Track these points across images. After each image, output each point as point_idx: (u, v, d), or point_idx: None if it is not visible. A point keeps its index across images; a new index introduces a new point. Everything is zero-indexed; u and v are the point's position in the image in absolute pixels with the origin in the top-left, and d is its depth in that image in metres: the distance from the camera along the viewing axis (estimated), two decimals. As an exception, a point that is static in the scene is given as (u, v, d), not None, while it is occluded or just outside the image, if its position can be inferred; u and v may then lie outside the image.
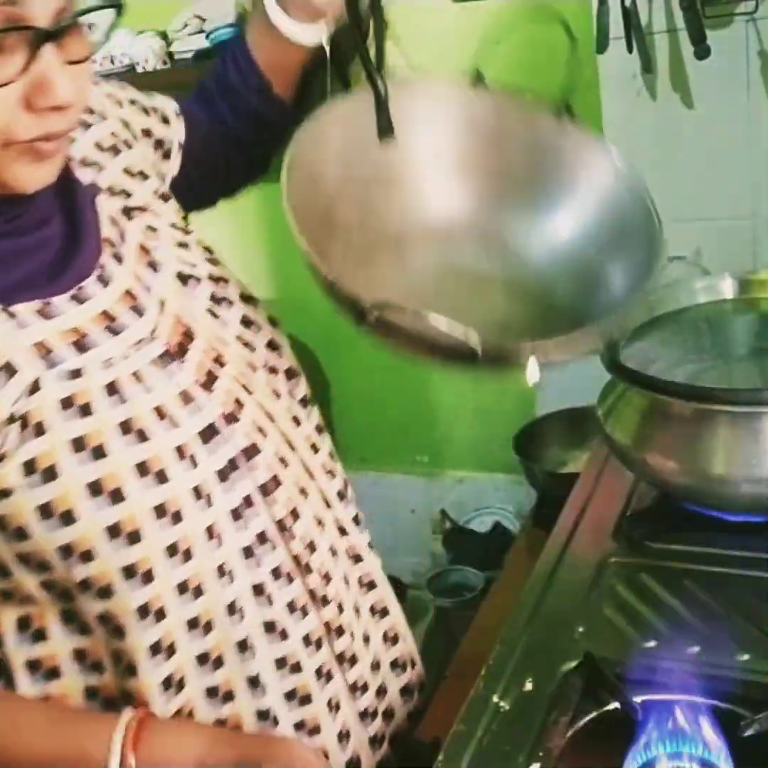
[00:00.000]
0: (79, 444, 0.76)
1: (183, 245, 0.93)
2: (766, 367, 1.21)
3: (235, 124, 1.08)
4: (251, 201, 2.37)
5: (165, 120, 1.02)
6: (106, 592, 0.79)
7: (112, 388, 0.78)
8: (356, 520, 1.02)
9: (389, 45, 1.91)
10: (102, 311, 0.81)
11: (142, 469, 0.78)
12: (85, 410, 0.76)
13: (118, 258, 0.85)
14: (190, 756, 0.79)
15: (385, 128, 0.97)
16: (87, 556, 0.77)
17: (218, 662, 0.86)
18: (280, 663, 0.88)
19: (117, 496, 0.76)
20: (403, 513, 2.44)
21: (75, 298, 0.80)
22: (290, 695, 0.89)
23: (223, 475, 0.83)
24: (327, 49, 1.13)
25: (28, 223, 0.79)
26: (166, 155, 1.01)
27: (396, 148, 0.97)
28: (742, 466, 0.95)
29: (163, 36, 2.04)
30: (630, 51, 1.58)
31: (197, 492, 0.81)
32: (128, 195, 0.90)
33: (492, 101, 1.07)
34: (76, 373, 0.77)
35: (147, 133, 0.98)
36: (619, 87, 1.65)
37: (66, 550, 0.77)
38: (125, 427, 0.78)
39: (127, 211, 0.89)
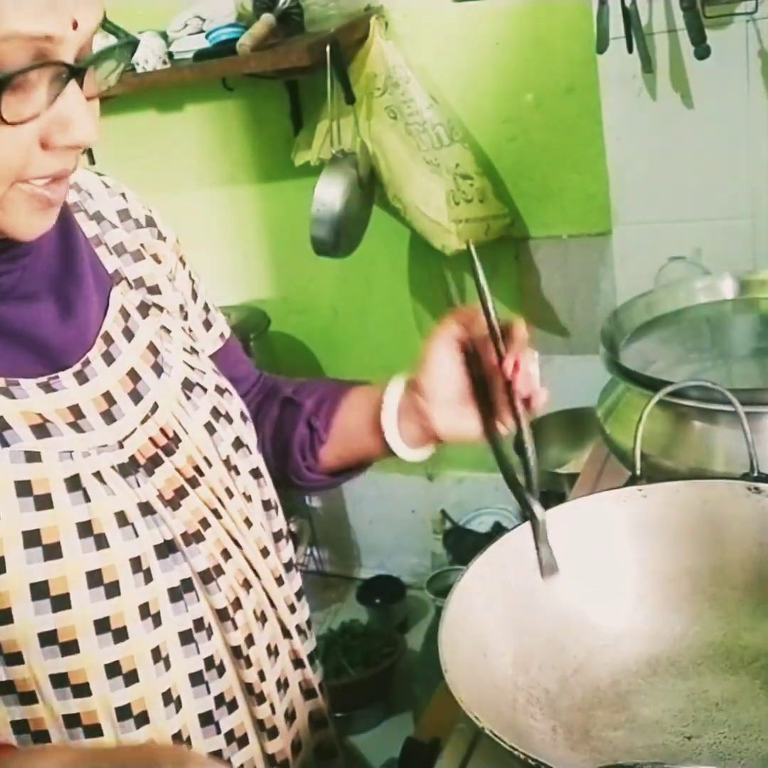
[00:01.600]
0: (32, 539, 0.69)
1: (194, 351, 0.87)
2: (766, 367, 1.21)
3: (269, 451, 0.99)
4: (252, 201, 2.38)
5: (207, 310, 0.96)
6: (30, 697, 0.72)
7: (74, 483, 0.71)
8: (311, 657, 0.94)
9: (389, 45, 1.92)
10: (70, 406, 0.74)
11: (93, 579, 0.71)
12: (44, 501, 0.69)
13: (110, 358, 0.78)
14: None
15: (548, 565, 0.81)
16: (14, 659, 0.70)
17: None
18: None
19: (61, 603, 0.70)
20: (403, 513, 2.45)
21: (44, 385, 0.73)
22: None
23: (175, 594, 0.76)
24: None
25: (9, 290, 0.73)
26: (206, 325, 0.94)
27: (563, 582, 0.84)
28: (742, 465, 0.95)
29: (163, 36, 2.04)
30: (630, 51, 1.58)
31: (145, 609, 0.74)
32: (151, 291, 0.85)
33: (656, 492, 0.89)
34: (33, 456, 0.70)
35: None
36: (619, 87, 1.65)
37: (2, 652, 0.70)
38: (84, 528, 0.70)
39: (146, 307, 0.83)
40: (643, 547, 0.88)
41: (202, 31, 1.99)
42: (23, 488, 0.69)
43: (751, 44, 1.54)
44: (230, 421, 0.86)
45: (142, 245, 0.85)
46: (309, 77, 1.99)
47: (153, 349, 0.81)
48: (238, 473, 0.85)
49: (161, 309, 0.84)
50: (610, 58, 1.61)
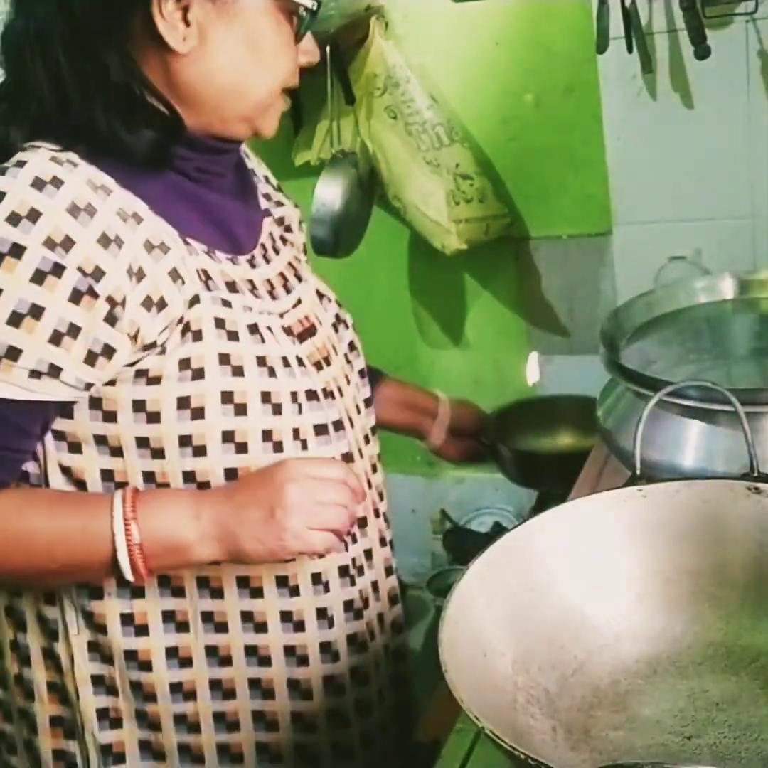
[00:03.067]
0: (224, 359, 0.90)
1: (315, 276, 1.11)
2: (766, 367, 1.21)
3: None
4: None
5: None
6: (204, 486, 0.91)
7: (253, 328, 0.92)
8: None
9: (389, 45, 1.92)
10: (248, 278, 0.96)
11: (265, 397, 0.91)
12: (233, 336, 0.91)
13: (267, 260, 1.01)
14: (189, 515, 0.88)
15: None
16: (200, 451, 0.90)
17: None
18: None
19: (240, 410, 0.90)
20: (403, 513, 2.44)
21: (230, 260, 0.95)
22: None
23: (318, 430, 0.96)
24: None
25: (209, 183, 0.96)
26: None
27: (563, 582, 0.86)
28: (742, 465, 0.95)
29: (163, 36, 2.04)
30: (630, 51, 1.58)
31: (297, 434, 0.94)
32: (287, 229, 1.10)
33: (656, 492, 0.89)
34: (227, 303, 0.91)
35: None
36: (619, 87, 1.66)
37: (184, 441, 0.90)
38: (260, 360, 0.92)
39: (284, 240, 1.08)
40: (643, 547, 0.88)
41: (202, 31, 1.99)
42: (220, 323, 0.90)
43: (751, 44, 1.54)
44: (347, 327, 1.10)
45: (278, 199, 1.12)
46: (309, 77, 1.97)
47: (291, 266, 1.05)
48: (352, 369, 1.08)
49: (293, 245, 1.09)
50: (610, 58, 1.61)
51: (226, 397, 0.90)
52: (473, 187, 1.95)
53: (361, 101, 1.94)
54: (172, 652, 0.96)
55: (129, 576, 0.87)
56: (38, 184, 0.82)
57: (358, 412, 1.07)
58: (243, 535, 0.87)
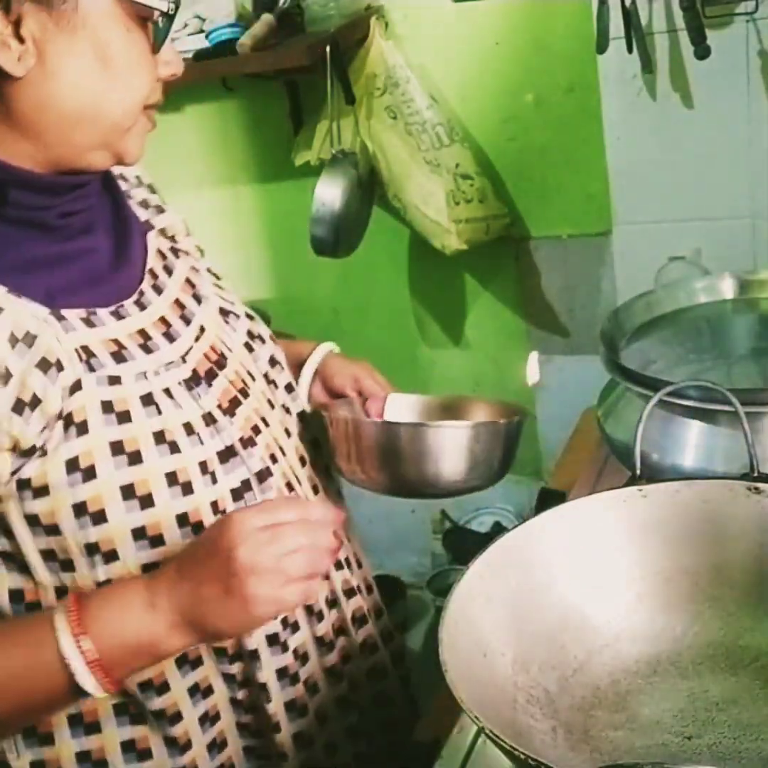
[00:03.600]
0: (117, 448, 0.80)
1: (219, 287, 1.00)
2: (766, 367, 1.21)
3: None
4: (252, 201, 2.38)
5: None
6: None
7: (148, 399, 0.83)
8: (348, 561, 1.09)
9: (389, 45, 1.92)
10: (138, 330, 0.86)
11: (171, 479, 0.82)
12: (124, 417, 0.81)
13: (158, 289, 0.90)
14: (143, 609, 0.75)
15: None
16: (111, 556, 0.81)
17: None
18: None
19: (147, 502, 0.81)
20: (403, 513, 2.44)
21: (114, 313, 0.85)
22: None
23: (237, 494, 0.87)
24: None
25: (76, 226, 0.84)
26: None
27: (563, 582, 0.86)
28: (742, 465, 0.95)
29: (163, 36, 2.04)
30: (630, 51, 1.58)
31: (215, 507, 0.85)
32: (173, 239, 0.98)
33: (656, 492, 0.88)
34: (115, 380, 0.81)
35: None
36: (619, 87, 1.65)
37: (91, 549, 0.80)
38: (159, 437, 0.82)
39: (175, 252, 0.96)
40: (643, 547, 0.88)
41: (202, 31, 1.99)
42: (107, 407, 0.80)
43: (751, 44, 1.54)
44: (263, 341, 1.00)
45: (157, 204, 0.99)
46: (309, 77, 1.99)
47: (189, 282, 0.94)
48: (276, 387, 0.99)
49: (186, 253, 0.98)
50: (610, 58, 1.61)
51: (128, 491, 0.80)
52: (473, 187, 1.95)
53: (361, 101, 1.94)
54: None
55: (98, 692, 0.75)
56: None
57: (288, 435, 0.98)
58: (209, 615, 0.75)
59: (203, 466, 0.84)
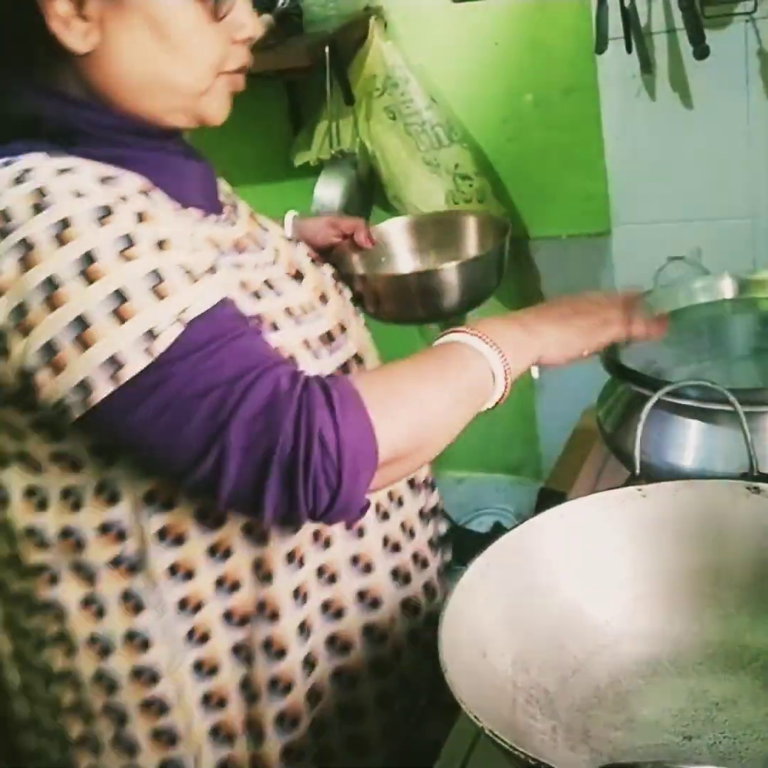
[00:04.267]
0: (257, 321, 0.85)
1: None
2: (766, 367, 1.21)
3: None
4: (251, 201, 2.38)
5: None
6: None
7: (268, 285, 0.89)
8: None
9: (388, 45, 1.92)
10: (237, 237, 0.91)
11: (305, 345, 0.88)
12: (255, 296, 0.86)
13: (237, 215, 0.96)
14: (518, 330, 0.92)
15: None
16: None
17: None
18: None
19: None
20: (403, 513, 2.44)
21: (218, 221, 0.91)
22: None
23: (345, 369, 0.93)
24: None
25: (183, 151, 0.92)
26: None
27: (564, 582, 0.86)
28: (742, 465, 0.95)
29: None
30: (629, 51, 1.58)
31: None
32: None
33: (656, 492, 0.88)
34: (239, 266, 0.87)
35: None
36: (618, 87, 1.66)
37: None
38: (288, 312, 0.89)
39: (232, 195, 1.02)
40: (643, 547, 0.88)
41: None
42: (243, 286, 0.85)
43: (750, 44, 1.54)
44: (322, 263, 1.06)
45: None
46: (308, 77, 1.99)
47: (252, 216, 1.00)
48: (345, 301, 1.05)
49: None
50: (609, 58, 1.61)
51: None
52: (473, 188, 1.95)
53: (360, 102, 1.95)
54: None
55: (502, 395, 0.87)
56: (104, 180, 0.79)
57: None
58: (560, 337, 0.93)
59: (324, 338, 0.91)
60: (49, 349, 0.72)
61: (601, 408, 1.20)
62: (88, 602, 0.86)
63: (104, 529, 0.84)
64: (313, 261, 1.04)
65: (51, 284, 0.72)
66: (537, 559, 0.85)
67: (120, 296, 0.72)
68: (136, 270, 0.73)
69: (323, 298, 0.97)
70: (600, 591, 0.87)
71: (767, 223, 1.66)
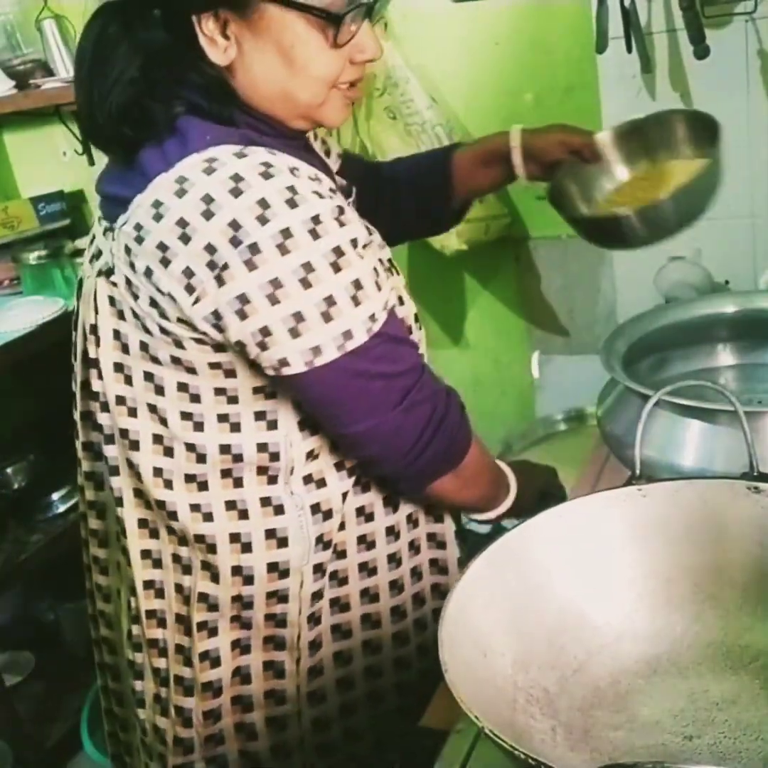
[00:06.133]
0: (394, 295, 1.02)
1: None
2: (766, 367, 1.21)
3: (405, 209, 1.32)
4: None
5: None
6: None
7: (390, 261, 1.05)
8: None
9: (388, 45, 1.92)
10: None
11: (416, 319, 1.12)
12: (390, 271, 1.03)
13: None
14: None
15: None
16: None
17: None
18: None
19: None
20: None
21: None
22: None
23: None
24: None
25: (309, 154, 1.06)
26: (326, 153, 1.23)
27: (563, 582, 0.86)
28: (742, 465, 0.95)
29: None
30: (629, 51, 1.58)
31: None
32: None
33: (656, 491, 0.89)
34: (365, 245, 0.96)
35: None
36: (619, 87, 1.66)
37: None
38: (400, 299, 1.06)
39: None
40: (643, 547, 0.88)
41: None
42: (381, 263, 1.00)
43: (751, 44, 1.54)
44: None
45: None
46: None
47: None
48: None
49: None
50: (609, 58, 1.61)
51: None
52: (473, 187, 1.95)
53: (360, 102, 1.95)
54: None
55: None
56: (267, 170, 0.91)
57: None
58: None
59: (415, 317, 1.11)
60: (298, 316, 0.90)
61: (601, 408, 1.20)
62: None
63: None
64: None
65: (306, 268, 0.88)
66: (537, 559, 0.85)
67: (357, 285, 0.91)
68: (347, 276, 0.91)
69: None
70: (600, 591, 0.87)
71: (767, 223, 1.66)
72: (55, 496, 2.12)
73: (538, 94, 1.93)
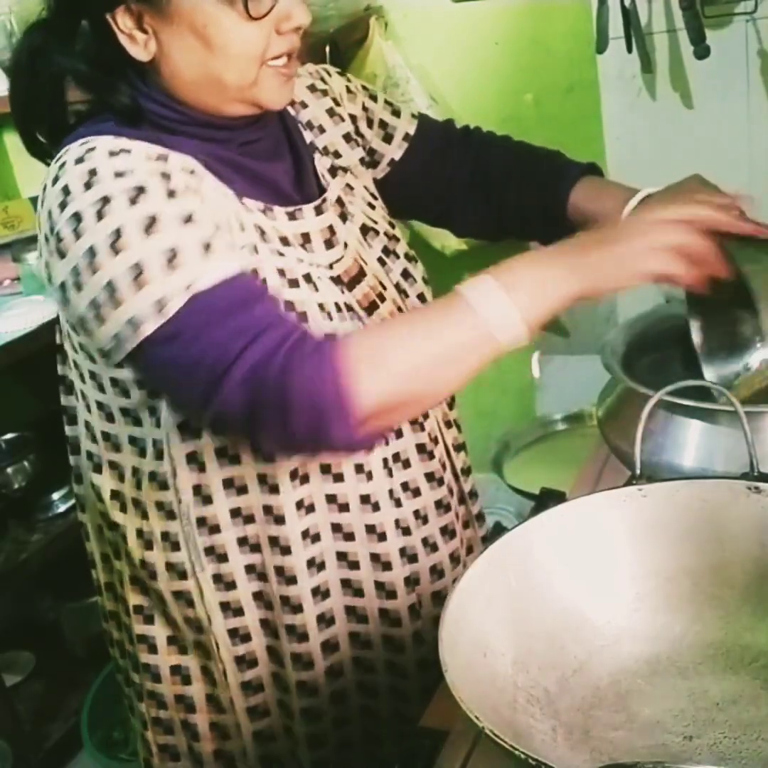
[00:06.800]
0: (289, 306, 0.95)
1: (371, 205, 1.13)
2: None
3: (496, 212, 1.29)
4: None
5: (396, 114, 1.21)
6: None
7: (307, 277, 0.98)
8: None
9: (389, 45, 1.92)
10: (304, 232, 1.01)
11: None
12: (294, 284, 0.96)
13: (321, 211, 1.04)
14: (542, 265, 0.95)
15: None
16: None
17: None
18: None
19: None
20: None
21: (289, 215, 1.00)
22: None
23: None
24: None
25: (259, 151, 1.01)
26: (387, 139, 1.19)
27: (563, 582, 0.86)
28: (742, 465, 0.95)
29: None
30: (630, 51, 1.58)
31: None
32: (338, 156, 1.12)
33: (656, 491, 0.88)
34: (281, 254, 0.97)
35: (370, 113, 1.19)
36: (619, 87, 1.66)
37: None
38: (321, 307, 0.97)
39: (333, 170, 1.10)
40: (643, 547, 0.88)
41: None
42: (281, 273, 0.96)
43: (751, 44, 1.54)
44: (397, 257, 1.12)
45: (321, 124, 1.12)
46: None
47: (339, 202, 1.07)
48: (407, 296, 1.11)
49: (345, 170, 1.11)
50: (609, 58, 1.61)
51: None
52: (473, 187, 1.95)
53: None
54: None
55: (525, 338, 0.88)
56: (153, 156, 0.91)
57: None
58: (591, 266, 0.88)
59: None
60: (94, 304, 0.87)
61: (601, 408, 1.20)
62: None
63: None
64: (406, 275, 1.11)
65: (91, 253, 0.86)
66: (537, 558, 0.85)
67: (138, 268, 0.84)
68: (156, 245, 0.85)
69: (373, 305, 1.04)
70: (600, 591, 0.87)
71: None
72: (55, 496, 2.12)
73: (538, 94, 1.93)
